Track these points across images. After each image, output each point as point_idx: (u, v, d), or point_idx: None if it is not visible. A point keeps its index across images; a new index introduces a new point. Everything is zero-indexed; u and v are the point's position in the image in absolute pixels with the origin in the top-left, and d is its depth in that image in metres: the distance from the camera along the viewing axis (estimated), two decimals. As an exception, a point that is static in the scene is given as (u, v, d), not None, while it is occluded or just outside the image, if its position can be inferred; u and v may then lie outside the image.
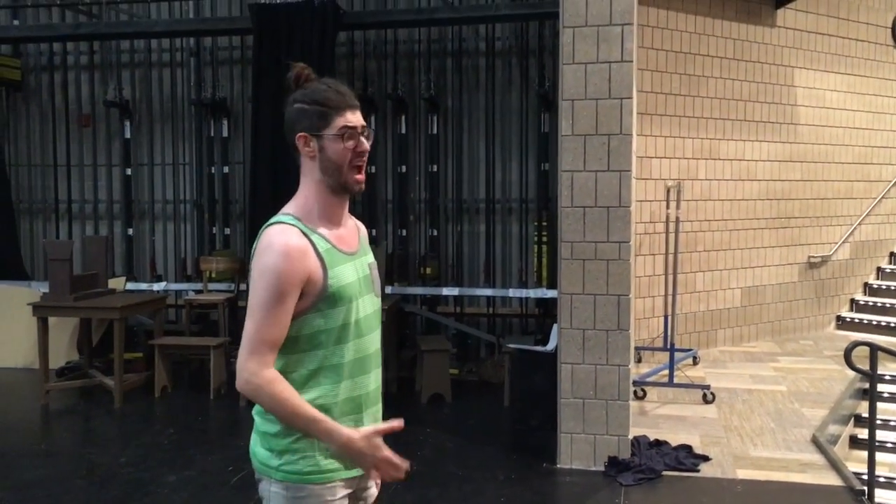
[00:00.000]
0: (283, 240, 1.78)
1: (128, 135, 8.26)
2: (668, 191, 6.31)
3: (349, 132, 1.84)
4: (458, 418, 5.49)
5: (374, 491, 2.00)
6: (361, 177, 1.88)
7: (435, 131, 7.66)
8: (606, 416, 4.27)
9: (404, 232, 7.72)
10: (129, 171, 8.27)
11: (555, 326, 4.82)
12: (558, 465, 4.34)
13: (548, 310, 7.12)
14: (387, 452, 1.84)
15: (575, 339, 4.30)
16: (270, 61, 6.76)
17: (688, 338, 6.96)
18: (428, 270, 7.40)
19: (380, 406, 1.97)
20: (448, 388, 5.89)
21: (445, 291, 7.14)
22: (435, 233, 7.67)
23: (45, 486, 4.21)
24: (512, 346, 5.44)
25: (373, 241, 7.22)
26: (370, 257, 1.99)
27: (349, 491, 1.91)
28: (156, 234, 8.35)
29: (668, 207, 6.30)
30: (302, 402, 1.79)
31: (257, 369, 1.76)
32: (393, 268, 7.30)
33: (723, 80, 7.08)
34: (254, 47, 7.13)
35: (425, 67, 7.62)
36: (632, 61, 4.23)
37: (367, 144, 1.88)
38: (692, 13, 6.89)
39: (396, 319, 6.64)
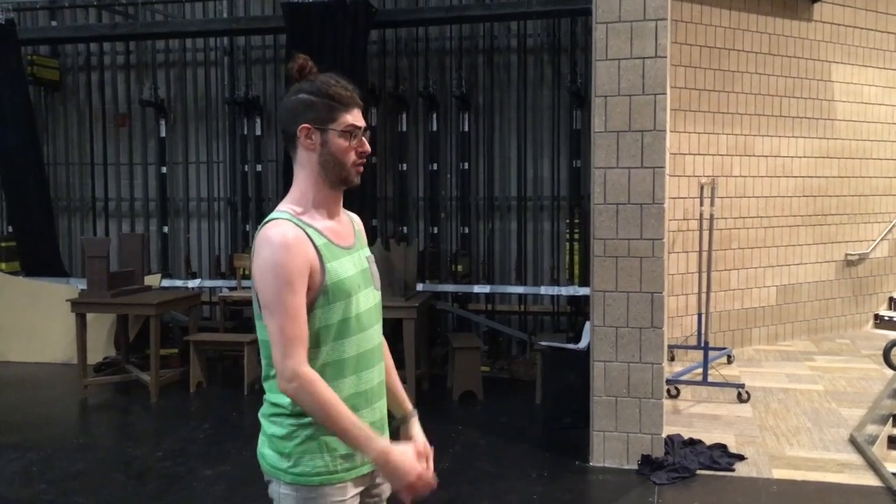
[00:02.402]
0: (280, 232, 1.77)
1: (163, 133, 8.36)
2: (702, 188, 6.25)
3: (354, 131, 1.85)
4: (490, 416, 5.48)
5: (386, 488, 1.98)
6: (361, 171, 1.89)
7: (466, 128, 7.65)
8: (640, 415, 4.25)
9: (435, 229, 7.73)
10: (164, 170, 8.38)
11: (587, 324, 4.80)
12: (591, 464, 4.32)
13: (580, 307, 7.08)
14: (422, 469, 1.82)
15: (608, 336, 4.28)
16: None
17: (722, 336, 6.89)
18: (459, 268, 7.39)
19: (384, 401, 1.96)
20: (479, 386, 5.89)
21: (477, 289, 7.13)
22: (466, 230, 7.67)
23: (84, 479, 4.28)
24: (544, 343, 5.42)
25: (404, 239, 7.24)
26: (367, 251, 1.98)
27: (360, 489, 1.90)
28: (190, 232, 8.44)
29: (702, 204, 6.23)
30: (342, 405, 1.76)
31: (296, 368, 1.74)
32: (424, 265, 7.30)
33: (758, 75, 7.00)
34: (286, 46, 7.18)
35: (456, 65, 7.61)
36: (665, 57, 4.20)
37: (368, 146, 1.88)
38: (726, 8, 6.82)
39: (428, 317, 6.65)
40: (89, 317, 6.18)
